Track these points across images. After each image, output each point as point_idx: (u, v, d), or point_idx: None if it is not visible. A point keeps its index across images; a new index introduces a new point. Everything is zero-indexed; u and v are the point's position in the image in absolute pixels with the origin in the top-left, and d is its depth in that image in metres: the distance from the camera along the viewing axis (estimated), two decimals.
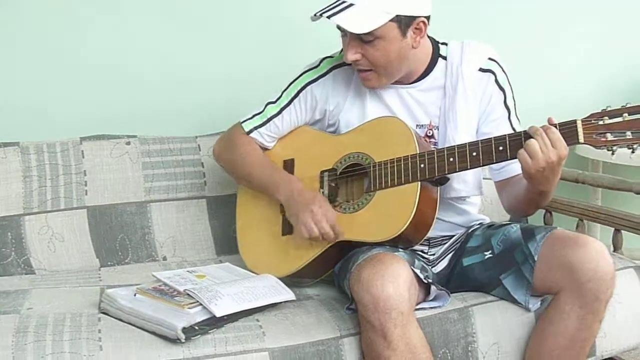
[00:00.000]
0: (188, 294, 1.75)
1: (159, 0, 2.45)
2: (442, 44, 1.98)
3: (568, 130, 1.67)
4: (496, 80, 1.94)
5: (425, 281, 1.77)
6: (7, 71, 2.36)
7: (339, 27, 1.86)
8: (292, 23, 2.47)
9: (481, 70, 1.94)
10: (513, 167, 1.89)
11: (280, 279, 1.90)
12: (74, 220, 2.20)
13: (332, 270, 1.97)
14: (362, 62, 1.87)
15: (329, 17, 1.82)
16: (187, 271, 1.93)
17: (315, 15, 1.85)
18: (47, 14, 2.37)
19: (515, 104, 1.97)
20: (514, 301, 1.85)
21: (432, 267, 1.97)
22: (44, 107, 2.38)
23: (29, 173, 2.20)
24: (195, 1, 2.48)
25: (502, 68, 1.96)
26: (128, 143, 2.28)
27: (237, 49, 2.52)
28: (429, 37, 1.95)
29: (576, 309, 1.74)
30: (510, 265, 1.84)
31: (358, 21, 1.80)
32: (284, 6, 2.51)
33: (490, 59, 1.95)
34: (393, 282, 1.64)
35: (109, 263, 2.20)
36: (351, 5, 1.81)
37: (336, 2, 1.84)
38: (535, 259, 1.80)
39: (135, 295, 1.79)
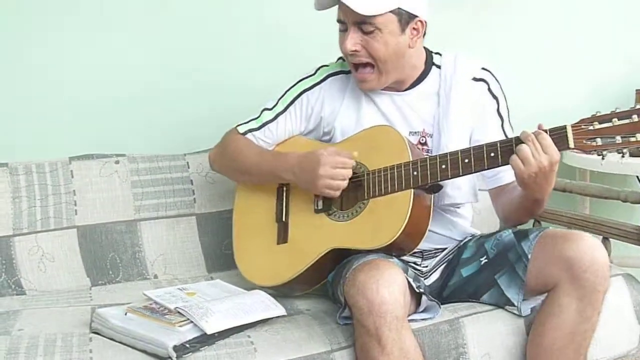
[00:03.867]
0: (179, 312, 1.76)
1: (147, 19, 2.46)
2: (436, 53, 2.01)
3: (558, 135, 1.69)
4: (489, 89, 1.97)
5: (418, 290, 1.78)
6: None
7: (339, 20, 1.89)
8: (284, 41, 2.49)
9: (474, 79, 1.96)
10: (506, 175, 1.91)
11: (275, 287, 1.90)
12: (64, 240, 2.20)
13: (325, 281, 1.97)
14: (362, 53, 1.89)
15: None
16: (178, 289, 1.93)
17: None
18: (31, 33, 2.37)
19: (508, 113, 1.99)
20: (506, 302, 1.85)
21: (424, 279, 1.97)
22: (31, 127, 2.38)
23: (18, 194, 2.20)
24: (182, 20, 2.49)
25: (495, 77, 1.99)
26: (117, 162, 2.29)
27: (225, 66, 2.53)
28: (423, 47, 1.98)
29: (575, 301, 1.75)
30: (504, 265, 1.86)
31: (362, 3, 1.82)
32: (274, 24, 2.52)
33: (483, 68, 1.98)
34: (388, 286, 1.65)
35: (100, 282, 2.20)
36: None
37: None
38: (529, 257, 1.81)
39: (126, 314, 1.79)
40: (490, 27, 2.76)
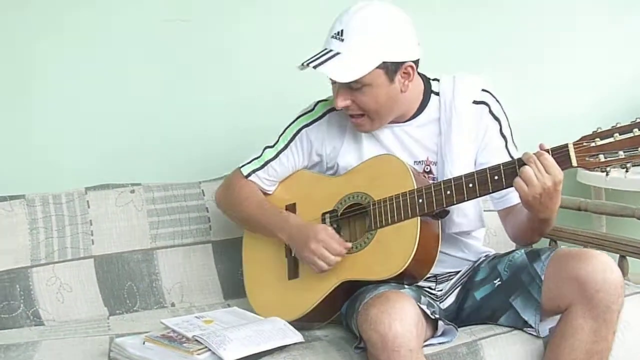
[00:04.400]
0: (197, 340, 1.76)
1: (160, 50, 2.49)
2: (434, 80, 2.00)
3: (560, 154, 1.69)
4: (490, 111, 1.96)
5: (433, 317, 1.77)
6: (10, 126, 2.39)
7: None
8: (290, 66, 2.50)
9: (475, 102, 1.96)
10: (513, 196, 1.89)
11: (289, 323, 1.90)
12: (81, 270, 2.21)
13: (340, 312, 1.97)
14: (353, 107, 1.91)
15: (315, 67, 1.85)
16: (195, 317, 1.93)
17: (302, 64, 1.88)
18: (47, 65, 2.41)
19: (511, 133, 1.99)
20: (524, 324, 1.84)
21: (439, 303, 1.97)
22: (48, 158, 2.41)
23: (36, 225, 2.22)
24: (196, 49, 2.51)
25: (495, 98, 1.98)
26: (132, 191, 2.30)
27: (238, 92, 2.55)
28: (419, 74, 1.97)
29: (589, 321, 1.74)
30: (518, 287, 1.85)
31: (344, 70, 1.83)
32: (281, 51, 2.54)
33: (483, 90, 1.98)
34: (400, 319, 1.64)
35: (118, 311, 2.21)
36: (338, 54, 1.84)
37: (323, 51, 1.88)
38: (542, 278, 1.80)
39: (144, 343, 1.79)
40: (494, 40, 2.77)
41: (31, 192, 2.27)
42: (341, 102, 1.89)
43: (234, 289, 2.27)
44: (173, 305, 2.25)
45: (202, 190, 2.36)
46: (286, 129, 2.07)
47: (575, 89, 2.88)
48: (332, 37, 1.87)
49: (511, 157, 1.94)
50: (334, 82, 1.91)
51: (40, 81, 2.41)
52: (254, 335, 1.78)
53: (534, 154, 1.70)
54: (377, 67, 1.84)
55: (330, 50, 1.86)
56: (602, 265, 1.74)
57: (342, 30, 1.85)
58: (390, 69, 1.85)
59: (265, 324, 1.86)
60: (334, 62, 1.84)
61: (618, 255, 2.19)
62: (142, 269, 2.25)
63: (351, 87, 1.87)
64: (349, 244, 1.89)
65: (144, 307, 2.23)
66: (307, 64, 1.86)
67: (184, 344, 1.76)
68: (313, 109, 2.06)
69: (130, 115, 2.47)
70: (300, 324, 1.94)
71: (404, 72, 1.88)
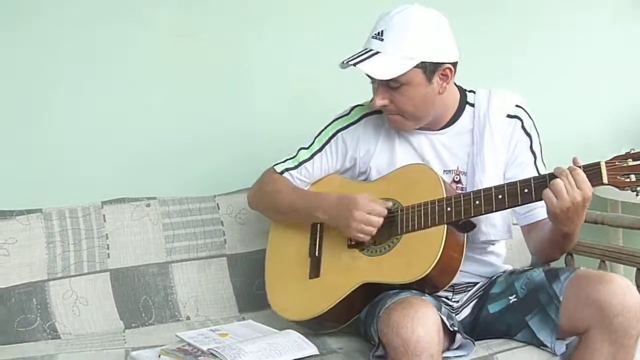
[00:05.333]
0: (212, 353, 1.76)
1: (176, 65, 2.50)
2: (470, 91, 2.02)
3: (592, 171, 1.70)
4: (523, 126, 1.98)
5: (451, 329, 1.77)
6: (26, 140, 2.40)
7: (367, 74, 1.91)
8: (308, 84, 2.53)
9: (508, 116, 1.97)
10: (539, 212, 1.90)
11: (306, 322, 1.91)
12: (97, 283, 2.22)
13: (356, 317, 1.97)
14: (390, 107, 1.93)
15: (355, 64, 1.87)
16: (210, 330, 1.94)
17: (343, 63, 1.91)
18: (64, 80, 2.42)
19: (541, 150, 2.00)
20: (540, 344, 1.84)
21: (455, 315, 1.97)
22: (64, 173, 2.42)
23: (52, 239, 2.23)
24: (212, 63, 2.52)
25: (528, 114, 2.00)
26: (148, 205, 2.31)
27: (253, 108, 2.55)
28: (456, 85, 1.99)
29: (607, 345, 1.74)
30: (535, 307, 1.85)
31: (383, 68, 1.86)
32: (297, 66, 2.55)
33: (517, 105, 1.99)
34: (423, 324, 1.65)
35: (133, 325, 2.21)
36: (377, 53, 1.87)
37: (363, 50, 1.91)
38: (561, 299, 1.80)
39: (159, 356, 1.80)
40: (515, 63, 2.77)
41: (48, 206, 2.28)
42: (379, 101, 1.92)
43: (249, 302, 2.28)
44: (188, 318, 2.25)
45: (217, 204, 2.36)
46: (322, 131, 2.09)
47: (601, 105, 2.88)
48: (373, 37, 1.90)
49: (539, 173, 1.94)
50: (373, 81, 1.93)
51: (57, 96, 2.42)
52: (269, 348, 1.79)
53: (566, 168, 1.71)
54: (416, 67, 1.86)
55: (370, 50, 1.89)
56: (621, 289, 1.73)
57: (382, 31, 1.88)
58: (429, 69, 1.88)
59: (280, 337, 1.86)
60: (374, 61, 1.87)
61: (635, 268, 2.18)
62: (158, 282, 2.25)
63: (390, 86, 1.89)
64: (390, 203, 1.91)
65: (159, 320, 2.23)
66: (348, 62, 1.89)
67: (199, 357, 1.77)
68: (349, 112, 2.08)
69: (145, 130, 2.47)
70: (314, 325, 1.95)
71: (442, 74, 1.90)
